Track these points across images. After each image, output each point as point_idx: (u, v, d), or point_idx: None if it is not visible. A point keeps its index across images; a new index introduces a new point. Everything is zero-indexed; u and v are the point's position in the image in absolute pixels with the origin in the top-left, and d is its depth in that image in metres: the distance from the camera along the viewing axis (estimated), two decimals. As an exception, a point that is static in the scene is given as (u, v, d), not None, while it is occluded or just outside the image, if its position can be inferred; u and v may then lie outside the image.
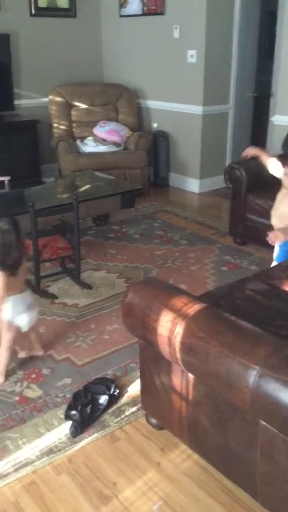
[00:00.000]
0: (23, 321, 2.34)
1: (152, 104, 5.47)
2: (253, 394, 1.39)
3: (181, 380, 1.75)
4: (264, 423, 1.43)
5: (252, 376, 1.39)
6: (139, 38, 5.39)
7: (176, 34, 4.96)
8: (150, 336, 1.74)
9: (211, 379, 1.56)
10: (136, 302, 1.81)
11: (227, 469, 1.72)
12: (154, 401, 1.96)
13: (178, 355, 1.63)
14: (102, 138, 5.09)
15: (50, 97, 5.22)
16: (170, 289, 1.84)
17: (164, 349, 1.69)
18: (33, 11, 5.18)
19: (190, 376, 1.69)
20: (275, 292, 2.24)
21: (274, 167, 2.72)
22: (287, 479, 1.45)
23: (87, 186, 4.09)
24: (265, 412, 1.38)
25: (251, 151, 2.88)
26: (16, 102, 5.21)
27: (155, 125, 5.48)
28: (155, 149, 5.30)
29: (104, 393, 2.20)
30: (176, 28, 4.94)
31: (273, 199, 2.91)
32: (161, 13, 5.03)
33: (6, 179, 4.10)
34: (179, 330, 1.61)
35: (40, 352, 2.55)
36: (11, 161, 4.92)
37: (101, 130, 5.11)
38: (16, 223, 2.28)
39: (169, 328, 1.65)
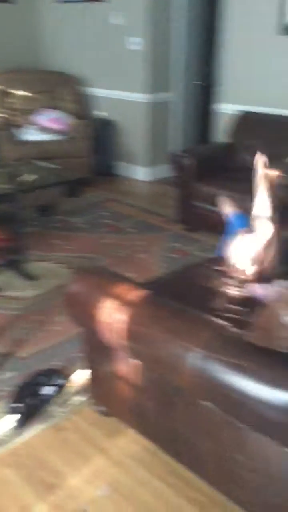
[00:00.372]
0: None
1: (97, 92, 5.41)
2: (195, 376, 1.41)
3: (126, 366, 1.75)
4: (206, 403, 1.46)
5: (195, 358, 1.41)
6: (79, 25, 5.29)
7: (117, 20, 4.91)
8: (93, 324, 1.73)
9: (155, 364, 1.57)
10: (78, 290, 1.79)
11: (174, 451, 1.75)
12: (101, 388, 1.96)
13: (122, 342, 1.63)
14: (44, 126, 4.98)
15: (-13, 84, 5.04)
16: (113, 277, 1.83)
17: (108, 336, 1.68)
18: None
19: (135, 362, 1.70)
20: (219, 277, 2.28)
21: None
22: (230, 456, 1.49)
23: (29, 176, 3.99)
24: (207, 392, 1.41)
25: None
26: None
27: (103, 113, 5.41)
28: (101, 137, 5.24)
29: (49, 384, 2.18)
30: (117, 14, 4.89)
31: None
32: (100, 0, 4.96)
33: None
34: (122, 317, 1.61)
35: None
36: None
37: (42, 118, 5.00)
38: None
39: (112, 316, 1.64)
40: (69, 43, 5.48)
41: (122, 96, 5.16)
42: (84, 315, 1.78)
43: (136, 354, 1.65)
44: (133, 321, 1.60)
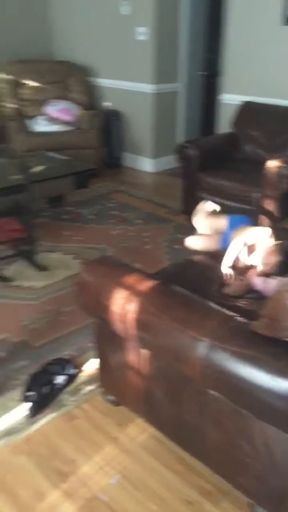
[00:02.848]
0: None
1: (104, 82, 5.40)
2: (203, 365, 1.43)
3: (136, 355, 1.78)
4: (213, 392, 1.48)
5: (202, 347, 1.43)
6: (88, 15, 5.27)
7: (125, 10, 4.89)
8: (104, 314, 1.75)
9: (164, 353, 1.59)
10: (89, 281, 1.81)
11: (181, 439, 1.78)
12: (111, 378, 1.99)
13: (131, 331, 1.65)
14: (54, 117, 4.99)
15: (-2, 75, 5.06)
16: (122, 267, 1.85)
17: (118, 326, 1.71)
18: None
19: (144, 351, 1.72)
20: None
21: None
22: (235, 444, 1.51)
23: (39, 167, 4.01)
24: (215, 381, 1.43)
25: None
26: None
27: (108, 104, 5.41)
28: (108, 129, 5.24)
29: (61, 373, 2.21)
30: (125, 4, 4.86)
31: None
32: (110, -11, 4.94)
33: None
34: (132, 307, 1.63)
35: None
36: None
37: (52, 109, 5.01)
38: None
39: (122, 306, 1.66)
40: (78, 33, 5.46)
41: (128, 87, 5.14)
42: (94, 305, 1.80)
43: (145, 344, 1.68)
44: (142, 311, 1.62)
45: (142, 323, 1.62)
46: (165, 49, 4.89)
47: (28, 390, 2.13)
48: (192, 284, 2.10)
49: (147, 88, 4.97)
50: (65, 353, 2.44)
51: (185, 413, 1.65)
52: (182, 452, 1.81)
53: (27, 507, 1.67)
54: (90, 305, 1.84)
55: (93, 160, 4.79)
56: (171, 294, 1.66)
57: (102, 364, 2.04)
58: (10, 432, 1.97)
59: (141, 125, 5.18)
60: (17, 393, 2.16)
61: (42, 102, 5.08)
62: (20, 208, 3.27)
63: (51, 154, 4.21)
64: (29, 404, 2.07)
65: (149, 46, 4.81)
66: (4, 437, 1.95)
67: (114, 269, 1.83)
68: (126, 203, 4.43)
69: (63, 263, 3.36)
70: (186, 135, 5.27)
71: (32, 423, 2.01)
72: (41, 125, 4.92)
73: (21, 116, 5.02)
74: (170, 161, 5.21)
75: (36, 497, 1.71)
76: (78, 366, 2.31)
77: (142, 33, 4.81)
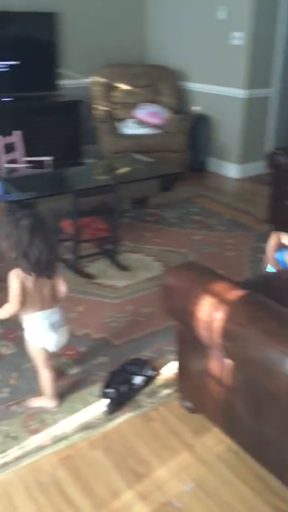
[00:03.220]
0: (51, 341, 2.01)
1: (194, 86, 5.40)
2: (292, 383, 1.38)
3: (219, 365, 1.76)
4: (302, 412, 1.43)
5: (293, 364, 1.38)
6: (183, 19, 5.30)
7: (221, 15, 4.85)
8: (189, 320, 1.75)
9: (250, 365, 1.56)
10: (177, 285, 1.82)
11: (260, 455, 1.73)
12: (190, 384, 1.98)
13: (217, 340, 1.63)
14: (143, 120, 5.06)
15: (93, 77, 5.21)
16: (211, 274, 1.83)
17: (203, 333, 1.69)
18: (79, -10, 5.16)
19: (228, 361, 1.70)
20: None
21: None
22: None
23: (127, 168, 4.09)
24: (304, 401, 1.38)
25: None
26: (60, 82, 5.22)
27: (198, 108, 5.40)
28: (195, 133, 5.23)
29: (139, 374, 2.24)
30: (222, 9, 4.83)
31: None
32: (207, -7, 4.94)
33: (48, 159, 4.14)
34: (219, 315, 1.61)
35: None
36: (53, 141, 4.95)
37: (142, 112, 5.09)
38: (37, 217, 1.92)
39: (209, 313, 1.65)
40: (172, 37, 5.50)
41: (218, 91, 5.10)
42: (180, 310, 1.80)
43: (230, 354, 1.65)
44: (230, 320, 1.59)
45: (228, 333, 1.59)
46: (260, 54, 4.79)
47: (107, 387, 2.18)
48: (280, 296, 2.05)
49: (238, 93, 4.90)
50: (144, 354, 2.46)
51: (268, 429, 1.61)
52: (260, 468, 1.76)
53: (101, 503, 1.70)
54: (175, 310, 1.84)
55: (178, 163, 4.80)
56: (261, 305, 1.62)
57: (181, 369, 2.04)
58: (88, 426, 2.02)
59: (229, 130, 5.12)
60: (96, 389, 2.21)
61: (132, 105, 5.18)
62: (106, 208, 3.35)
63: (138, 156, 4.27)
64: (107, 401, 2.12)
65: (243, 51, 4.74)
66: (83, 430, 2.00)
67: (201, 275, 1.82)
68: (209, 208, 4.39)
69: (144, 264, 3.40)
70: (276, 142, 5.14)
71: (110, 420, 2.05)
72: (130, 128, 5.01)
73: (112, 119, 5.14)
74: (256, 168, 5.11)
75: (110, 494, 1.74)
76: (156, 369, 2.33)
77: (238, 37, 4.75)
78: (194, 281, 1.78)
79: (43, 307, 1.96)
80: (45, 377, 2.09)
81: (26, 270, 1.87)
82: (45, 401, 2.12)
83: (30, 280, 1.90)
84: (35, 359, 2.08)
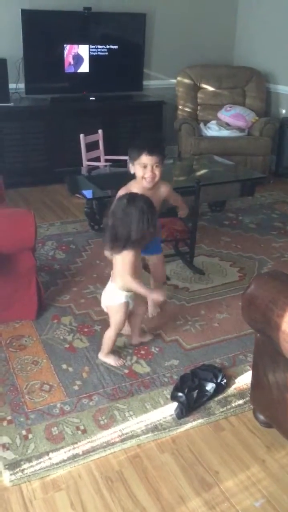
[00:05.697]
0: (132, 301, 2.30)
1: (283, 89, 5.23)
2: None
3: (299, 381, 1.68)
4: None
5: None
6: (278, 18, 5.13)
7: None
8: (271, 331, 1.68)
9: None
10: (260, 294, 1.75)
11: None
12: (265, 397, 1.91)
13: (300, 355, 1.56)
14: (226, 122, 4.99)
15: (178, 78, 5.20)
16: (297, 286, 1.75)
17: (286, 347, 1.62)
18: (170, -9, 5.17)
19: (311, 378, 1.62)
20: None
21: None
22: None
23: (206, 170, 4.05)
24: None
25: None
26: (144, 82, 5.27)
27: (284, 111, 5.24)
28: (280, 137, 5.08)
29: (211, 381, 2.19)
30: None
31: None
32: (304, -7, 4.77)
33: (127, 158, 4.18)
34: (306, 329, 1.54)
35: (148, 338, 2.58)
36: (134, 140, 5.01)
37: (226, 114, 5.01)
38: (148, 200, 2.13)
39: (294, 326, 1.58)
40: (262, 38, 5.37)
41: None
42: (261, 319, 1.74)
43: (313, 371, 1.57)
44: (316, 337, 1.52)
45: (314, 349, 1.51)
46: None
47: (177, 390, 2.15)
48: None
49: None
50: (216, 360, 2.42)
51: None
52: None
53: (168, 507, 1.68)
54: (257, 319, 1.78)
55: (260, 167, 4.69)
56: None
57: (256, 381, 1.97)
58: (157, 427, 2.01)
59: (316, 135, 4.92)
60: (166, 391, 2.19)
61: (217, 107, 5.11)
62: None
63: (219, 159, 4.21)
64: (177, 405, 2.09)
65: None
66: (152, 431, 1.99)
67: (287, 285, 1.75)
68: (290, 216, 4.25)
69: (219, 269, 3.34)
70: None
71: (179, 424, 2.03)
72: (212, 130, 4.95)
73: (195, 120, 5.11)
74: None
75: (177, 499, 1.71)
76: (229, 377, 2.27)
77: None
78: (280, 291, 1.71)
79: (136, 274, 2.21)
80: (111, 337, 2.34)
81: (137, 246, 2.12)
82: (111, 360, 2.38)
83: (135, 254, 2.15)
84: (116, 317, 2.29)
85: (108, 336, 2.35)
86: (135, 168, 2.40)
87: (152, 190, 2.44)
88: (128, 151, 2.43)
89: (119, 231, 2.08)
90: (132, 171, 2.44)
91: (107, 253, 2.26)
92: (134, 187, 2.42)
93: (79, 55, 4.84)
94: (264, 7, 5.28)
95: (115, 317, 2.30)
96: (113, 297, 2.27)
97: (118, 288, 2.24)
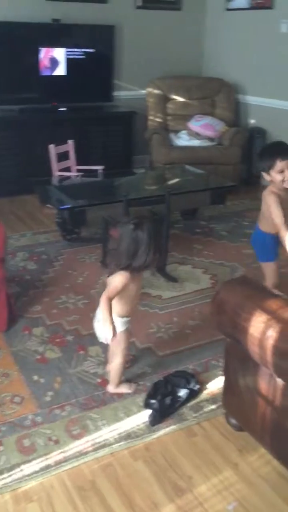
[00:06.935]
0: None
1: (251, 99, 5.34)
2: None
3: (269, 383, 1.71)
4: None
5: None
6: (244, 33, 5.26)
7: (284, 28, 4.80)
8: (240, 335, 1.71)
9: (303, 387, 1.50)
10: (228, 300, 1.78)
11: (309, 481, 1.66)
12: (236, 401, 1.93)
13: (269, 358, 1.59)
14: (196, 132, 5.06)
15: (148, 89, 5.26)
16: (264, 290, 1.79)
17: (254, 350, 1.65)
18: (139, 3, 5.24)
19: (279, 380, 1.64)
20: None
21: None
22: None
23: (178, 179, 4.09)
24: None
25: None
26: (115, 93, 5.31)
27: (253, 121, 5.35)
28: (250, 146, 5.18)
29: (184, 387, 2.21)
30: (284, 22, 4.77)
31: None
32: (269, 7, 4.89)
33: (100, 168, 4.20)
34: (273, 333, 1.57)
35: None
36: (105, 150, 5.04)
37: (196, 124, 5.08)
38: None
39: (261, 330, 1.60)
40: (230, 50, 5.48)
41: (276, 105, 5.02)
42: (230, 324, 1.76)
43: (282, 373, 1.60)
44: (283, 339, 1.55)
45: (282, 352, 1.54)
46: None
47: (150, 397, 2.16)
48: None
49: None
50: (188, 367, 2.43)
51: None
52: (307, 494, 1.69)
53: (141, 515, 1.68)
54: (226, 324, 1.81)
55: (231, 176, 4.76)
56: None
57: (228, 385, 1.99)
58: (130, 435, 2.01)
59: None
60: (139, 398, 2.19)
61: (187, 117, 5.18)
62: (156, 219, 3.35)
63: (191, 168, 4.26)
64: (150, 412, 2.10)
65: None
66: (124, 439, 1.98)
67: (254, 291, 1.78)
68: (260, 223, 4.31)
69: (192, 276, 3.37)
70: None
71: (152, 431, 2.03)
72: (183, 140, 5.02)
73: (165, 130, 5.16)
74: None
75: (150, 506, 1.71)
76: (201, 383, 2.29)
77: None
78: (247, 296, 1.74)
79: (134, 300, 2.13)
80: (121, 366, 2.20)
81: (136, 270, 2.01)
82: (124, 388, 2.24)
83: (130, 280, 2.02)
84: (121, 345, 2.16)
85: (117, 367, 2.20)
86: (272, 176, 2.52)
87: None
88: (259, 163, 2.63)
89: (123, 257, 1.99)
90: (268, 179, 2.57)
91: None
92: (274, 191, 2.55)
93: (54, 60, 4.86)
94: (231, 19, 5.41)
95: (119, 347, 2.17)
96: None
97: (115, 315, 2.06)
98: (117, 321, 2.06)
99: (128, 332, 2.20)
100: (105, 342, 2.06)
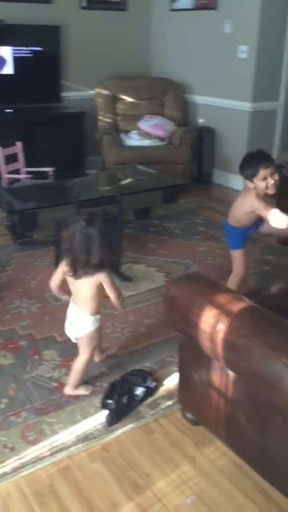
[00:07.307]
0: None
1: (199, 99, 5.43)
2: (296, 396, 1.36)
3: (221, 377, 1.74)
4: (306, 425, 1.41)
5: (297, 377, 1.36)
6: (189, 33, 5.34)
7: (227, 29, 4.90)
8: (191, 331, 1.73)
9: (253, 378, 1.54)
10: (179, 296, 1.80)
11: (263, 469, 1.70)
12: (191, 396, 1.96)
13: (219, 352, 1.62)
14: (146, 132, 5.09)
15: (97, 89, 5.25)
16: (214, 285, 1.82)
17: (205, 345, 1.68)
18: (83, 4, 5.22)
19: (230, 373, 1.68)
20: None
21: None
22: None
23: (130, 179, 4.10)
24: (308, 414, 1.36)
25: None
26: (63, 94, 5.27)
27: (201, 120, 5.43)
28: (200, 145, 5.25)
29: (140, 385, 2.22)
30: (228, 23, 4.88)
31: None
32: (213, 8, 4.98)
33: (50, 170, 4.16)
34: (222, 326, 1.60)
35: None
36: (55, 152, 4.97)
37: (145, 124, 5.11)
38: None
39: (212, 324, 1.63)
40: (177, 50, 5.55)
41: (224, 104, 5.12)
42: (182, 321, 1.78)
43: (232, 366, 1.63)
44: (233, 332, 1.58)
45: (231, 345, 1.58)
46: (267, 67, 4.81)
47: (107, 398, 2.16)
48: (283, 309, 2.03)
49: (245, 106, 4.92)
50: (145, 365, 2.44)
51: (270, 443, 1.58)
52: (263, 481, 1.73)
53: (100, 516, 1.67)
54: (178, 321, 1.83)
55: (182, 175, 4.81)
56: (265, 318, 1.60)
57: (182, 381, 2.02)
58: (87, 437, 2.00)
59: (234, 142, 5.13)
60: (96, 400, 2.19)
61: (136, 117, 5.21)
62: (109, 219, 3.34)
63: (142, 167, 4.28)
64: (107, 412, 2.09)
65: (250, 64, 4.77)
66: (82, 442, 1.97)
67: (204, 287, 1.81)
68: (214, 220, 4.39)
69: (146, 275, 3.39)
70: (282, 155, 5.15)
71: (109, 431, 2.03)
72: (133, 140, 5.04)
73: (116, 130, 5.17)
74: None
75: (110, 506, 1.71)
76: (158, 380, 2.30)
77: (243, 51, 4.79)
78: (197, 292, 1.76)
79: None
80: (84, 366, 2.20)
81: (97, 267, 2.05)
82: (81, 390, 2.23)
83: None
84: (91, 343, 2.20)
85: (82, 365, 2.19)
86: (255, 183, 2.58)
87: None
88: (242, 172, 2.63)
89: (78, 254, 2.00)
90: (251, 186, 2.61)
91: (54, 283, 2.16)
92: (259, 194, 2.60)
93: (1, 59, 4.77)
94: (176, 19, 5.47)
95: (90, 345, 2.19)
96: (84, 326, 2.16)
97: (87, 314, 2.13)
98: (89, 320, 2.14)
99: (99, 331, 2.26)
100: (74, 341, 2.18)
